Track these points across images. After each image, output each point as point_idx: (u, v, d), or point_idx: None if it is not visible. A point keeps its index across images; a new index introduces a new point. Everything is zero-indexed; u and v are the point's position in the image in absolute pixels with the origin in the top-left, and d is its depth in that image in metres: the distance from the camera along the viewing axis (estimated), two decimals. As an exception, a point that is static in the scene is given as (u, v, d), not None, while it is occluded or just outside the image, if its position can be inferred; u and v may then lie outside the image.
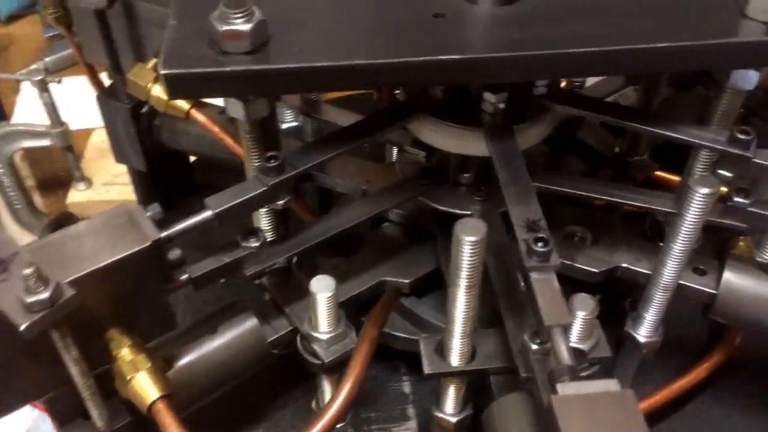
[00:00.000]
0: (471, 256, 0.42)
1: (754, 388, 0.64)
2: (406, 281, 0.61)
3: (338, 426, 0.52)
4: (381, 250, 0.63)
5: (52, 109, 0.93)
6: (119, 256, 0.42)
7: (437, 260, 0.62)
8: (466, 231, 0.42)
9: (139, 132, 0.72)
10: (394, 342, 0.63)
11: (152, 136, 0.74)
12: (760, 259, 0.58)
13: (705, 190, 0.46)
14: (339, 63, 0.44)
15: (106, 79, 0.74)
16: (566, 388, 0.36)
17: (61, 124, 0.94)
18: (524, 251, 0.43)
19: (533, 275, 0.42)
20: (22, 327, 0.37)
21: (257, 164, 0.52)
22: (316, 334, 0.53)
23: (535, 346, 0.44)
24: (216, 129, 0.65)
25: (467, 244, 0.42)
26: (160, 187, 0.79)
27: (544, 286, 0.42)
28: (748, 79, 0.50)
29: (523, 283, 0.45)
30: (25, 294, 0.37)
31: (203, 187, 0.83)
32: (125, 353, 0.43)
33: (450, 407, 0.54)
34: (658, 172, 0.70)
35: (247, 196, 0.48)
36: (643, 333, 0.57)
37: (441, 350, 0.50)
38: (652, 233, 0.64)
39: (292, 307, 0.57)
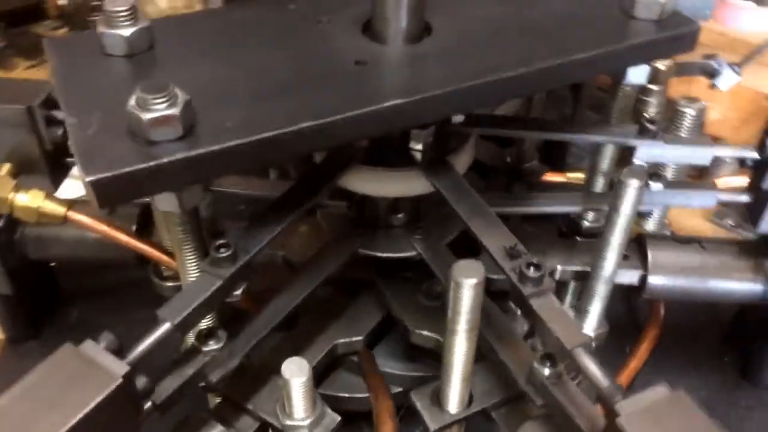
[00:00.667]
0: (472, 299, 0.41)
1: (680, 351, 0.69)
2: (360, 338, 0.57)
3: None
4: (322, 314, 0.59)
5: None
6: (91, 406, 0.35)
7: (383, 308, 0.59)
8: (465, 274, 0.40)
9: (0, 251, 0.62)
10: (351, 404, 0.60)
11: (14, 252, 0.63)
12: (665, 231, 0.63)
13: (637, 183, 0.49)
14: (286, 129, 0.40)
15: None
16: (625, 407, 0.35)
17: None
18: (516, 280, 0.42)
19: (534, 302, 0.42)
20: None
21: (191, 261, 0.46)
22: (295, 423, 0.48)
23: (547, 371, 0.43)
24: (104, 228, 0.57)
25: (468, 288, 0.40)
26: (27, 306, 0.68)
27: (550, 310, 0.41)
28: (642, 74, 0.54)
29: (520, 312, 0.44)
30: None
31: (70, 296, 0.75)
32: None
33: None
34: (548, 174, 0.73)
35: (206, 296, 0.42)
36: (590, 327, 0.59)
37: (438, 400, 0.48)
38: (568, 230, 0.67)
39: (254, 402, 0.51)
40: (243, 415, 0.52)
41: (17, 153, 0.57)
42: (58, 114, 0.57)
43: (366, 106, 0.42)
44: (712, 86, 0.70)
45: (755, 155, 0.55)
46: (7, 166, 0.57)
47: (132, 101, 0.39)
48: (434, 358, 0.54)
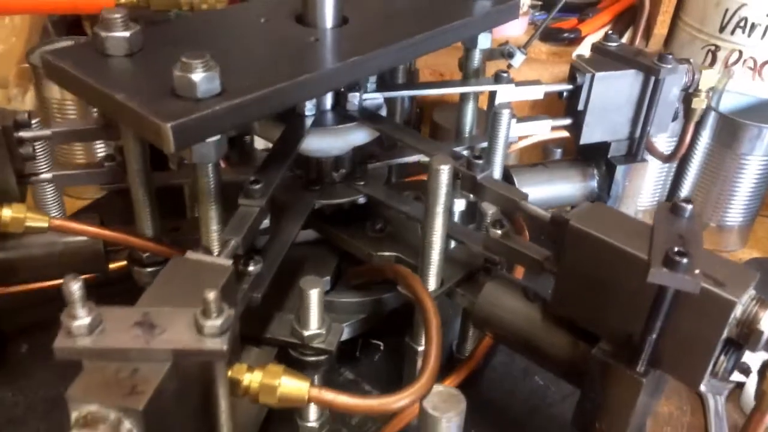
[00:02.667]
0: (447, 182, 0.57)
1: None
2: (327, 278, 0.70)
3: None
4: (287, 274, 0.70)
5: None
6: (220, 285, 0.44)
7: (337, 254, 0.72)
8: (439, 162, 0.56)
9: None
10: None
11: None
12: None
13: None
14: (288, 82, 0.53)
15: None
16: (571, 215, 0.53)
17: None
18: (466, 169, 0.59)
19: (483, 180, 0.59)
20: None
21: (214, 209, 0.56)
22: (312, 332, 0.59)
23: (499, 232, 0.60)
24: (91, 228, 0.63)
25: (443, 173, 0.56)
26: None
27: (495, 183, 0.59)
28: (487, 40, 0.75)
29: (472, 195, 0.61)
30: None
31: (14, 334, 0.75)
32: (253, 376, 0.45)
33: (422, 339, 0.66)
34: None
35: (250, 222, 0.53)
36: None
37: (418, 283, 0.62)
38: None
39: (270, 332, 0.61)
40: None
41: (-11, 175, 0.62)
42: (26, 134, 0.63)
43: (325, 65, 0.57)
44: (509, 66, 0.94)
45: (570, 86, 0.78)
46: (-18, 190, 0.62)
47: (177, 69, 0.49)
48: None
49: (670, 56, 0.76)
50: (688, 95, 0.83)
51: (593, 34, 1.23)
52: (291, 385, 0.46)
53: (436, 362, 0.49)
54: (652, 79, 0.77)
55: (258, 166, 0.59)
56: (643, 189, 1.15)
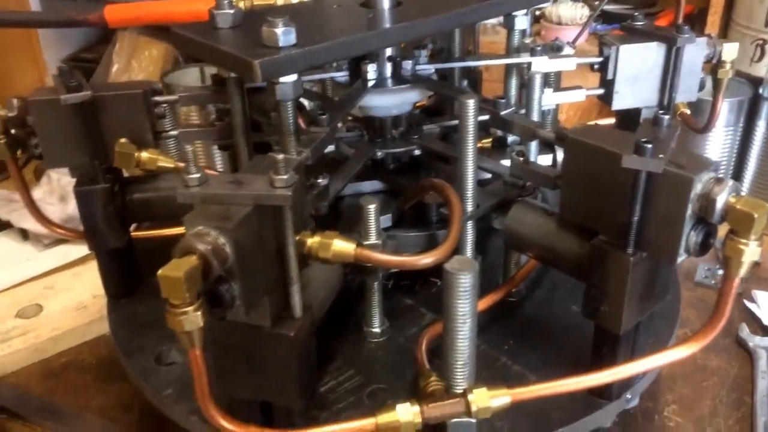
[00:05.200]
0: (473, 115, 0.71)
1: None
2: (389, 215, 0.85)
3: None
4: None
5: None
6: (297, 162, 0.61)
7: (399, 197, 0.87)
8: (466, 96, 0.70)
9: (115, 210, 0.84)
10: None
11: (125, 213, 0.86)
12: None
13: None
14: (347, 37, 0.70)
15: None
16: (570, 131, 0.66)
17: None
18: (492, 107, 0.73)
19: (506, 115, 0.73)
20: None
21: (293, 138, 0.73)
22: (372, 242, 0.74)
23: (521, 159, 0.74)
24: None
25: (470, 106, 0.70)
26: (127, 266, 0.89)
27: (519, 117, 0.73)
28: (525, 21, 0.89)
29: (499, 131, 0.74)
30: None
31: (147, 268, 0.95)
32: (313, 239, 0.61)
33: (469, 252, 0.79)
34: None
35: (320, 140, 0.69)
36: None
37: (459, 207, 0.76)
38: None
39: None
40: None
41: (132, 130, 0.82)
42: (159, 98, 0.83)
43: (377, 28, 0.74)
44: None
45: (599, 59, 0.91)
46: (125, 139, 0.82)
47: (265, 26, 0.67)
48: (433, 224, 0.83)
49: (687, 27, 0.87)
50: (714, 67, 0.93)
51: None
52: (341, 244, 0.61)
53: (455, 235, 0.63)
54: (673, 49, 0.88)
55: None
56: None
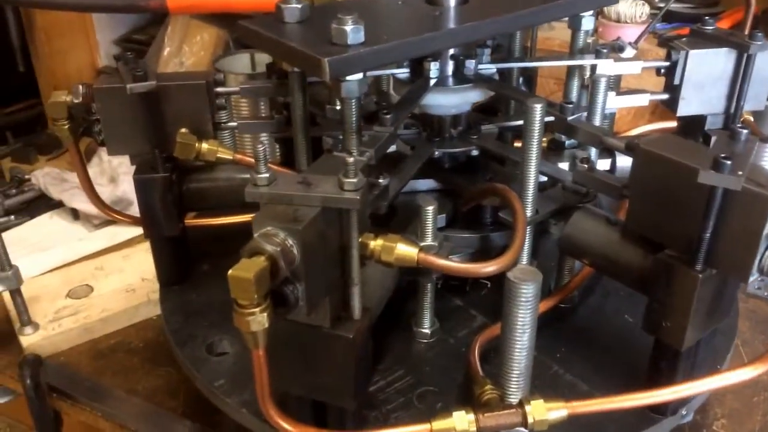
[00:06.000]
0: (540, 119, 0.69)
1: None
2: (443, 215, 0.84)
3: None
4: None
5: (3, 252, 0.95)
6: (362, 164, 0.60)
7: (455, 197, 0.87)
8: (534, 101, 0.69)
9: (173, 199, 0.85)
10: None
11: (181, 202, 0.86)
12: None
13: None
14: (415, 37, 0.69)
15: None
16: (643, 142, 0.64)
17: (11, 266, 0.96)
18: (559, 112, 0.72)
19: (572, 121, 0.71)
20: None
21: (355, 133, 0.73)
22: (428, 243, 0.73)
23: (586, 166, 0.72)
24: (244, 158, 0.83)
25: (538, 111, 0.69)
26: (180, 253, 0.90)
27: (582, 123, 0.71)
28: (590, 22, 0.87)
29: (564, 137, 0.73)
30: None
31: (198, 255, 0.96)
32: (376, 242, 0.60)
33: (525, 258, 0.78)
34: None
35: (383, 140, 0.69)
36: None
37: (516, 212, 0.75)
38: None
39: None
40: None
41: (193, 120, 0.82)
42: (219, 89, 0.84)
43: (444, 28, 0.73)
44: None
45: (666, 63, 0.88)
46: (185, 129, 0.82)
47: (334, 24, 0.67)
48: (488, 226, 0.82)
49: (760, 34, 0.84)
50: (785, 75, 0.90)
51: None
52: (404, 249, 0.61)
53: (519, 244, 0.62)
54: (744, 56, 0.85)
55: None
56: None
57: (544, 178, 0.85)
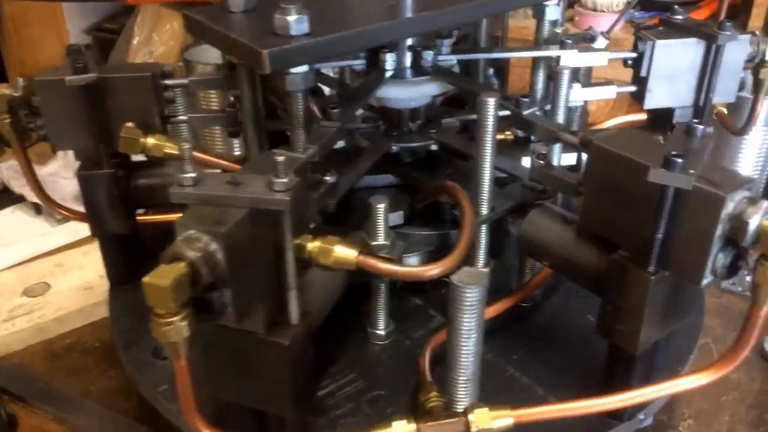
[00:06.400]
0: (494, 113, 0.67)
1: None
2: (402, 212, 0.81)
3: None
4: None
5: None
6: (301, 162, 0.57)
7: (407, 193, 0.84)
8: (487, 95, 0.66)
9: (120, 195, 0.82)
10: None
11: (129, 199, 0.83)
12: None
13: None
14: (363, 27, 0.66)
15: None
16: (596, 137, 0.62)
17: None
18: (514, 106, 0.69)
19: (528, 116, 0.68)
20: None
21: (302, 132, 0.70)
22: (380, 243, 0.71)
23: (542, 162, 0.69)
24: (215, 160, 0.80)
25: (490, 105, 0.66)
26: (129, 251, 0.87)
27: (539, 118, 0.68)
28: (556, 12, 0.84)
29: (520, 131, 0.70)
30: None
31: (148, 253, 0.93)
32: (314, 242, 0.58)
33: (482, 261, 0.75)
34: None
35: (329, 135, 0.66)
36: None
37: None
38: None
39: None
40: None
41: (139, 114, 0.79)
42: (169, 81, 0.80)
43: (399, 17, 0.70)
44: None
45: (633, 54, 0.85)
46: (131, 123, 0.79)
47: (277, 14, 0.63)
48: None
49: (729, 24, 0.81)
50: (756, 66, 0.87)
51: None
52: (343, 251, 0.58)
53: (464, 245, 0.59)
54: (713, 46, 0.82)
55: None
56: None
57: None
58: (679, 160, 0.52)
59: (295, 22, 0.62)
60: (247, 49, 0.62)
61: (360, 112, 0.89)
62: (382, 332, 0.78)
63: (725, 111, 0.94)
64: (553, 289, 0.85)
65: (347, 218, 0.79)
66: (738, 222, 0.53)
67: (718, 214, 0.53)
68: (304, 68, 0.65)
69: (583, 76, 0.98)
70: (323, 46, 0.63)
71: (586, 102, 0.97)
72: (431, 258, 0.83)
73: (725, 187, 0.53)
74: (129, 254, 0.87)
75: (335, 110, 0.68)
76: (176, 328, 0.47)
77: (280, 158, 0.51)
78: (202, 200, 0.52)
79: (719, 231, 0.54)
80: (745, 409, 0.90)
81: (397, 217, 0.81)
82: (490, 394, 0.72)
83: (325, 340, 0.75)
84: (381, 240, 0.71)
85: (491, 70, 1.09)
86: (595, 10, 1.33)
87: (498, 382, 0.73)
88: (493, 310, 0.76)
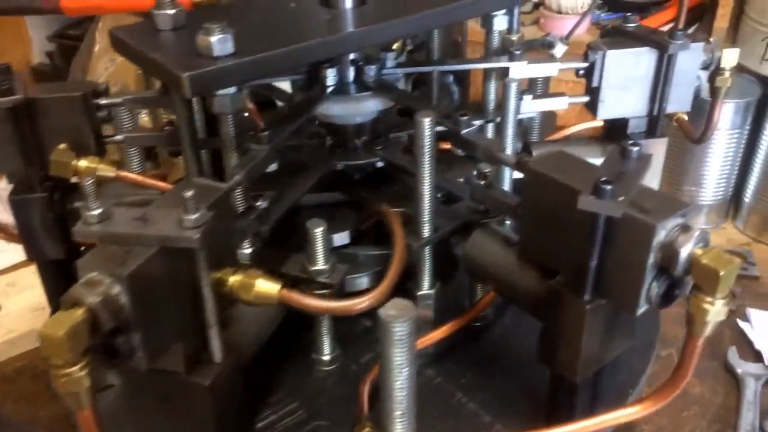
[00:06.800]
0: (430, 133, 0.64)
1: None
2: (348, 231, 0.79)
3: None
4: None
5: None
6: (219, 193, 0.55)
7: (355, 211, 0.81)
8: (422, 115, 0.64)
9: (55, 219, 0.79)
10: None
11: (64, 223, 0.80)
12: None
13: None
14: (293, 46, 0.64)
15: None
16: (531, 160, 0.59)
17: None
18: (453, 125, 0.67)
19: (468, 135, 0.66)
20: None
21: (233, 154, 0.67)
22: (318, 268, 0.68)
23: (483, 182, 0.67)
24: (148, 181, 0.77)
25: (424, 124, 0.64)
26: (66, 276, 0.84)
27: (479, 137, 0.66)
28: (503, 22, 0.82)
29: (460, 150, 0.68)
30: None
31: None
32: (235, 276, 0.55)
33: (426, 283, 0.73)
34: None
35: (258, 160, 0.63)
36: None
37: (413, 230, 0.70)
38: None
39: (285, 267, 0.71)
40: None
41: (72, 135, 0.76)
42: (102, 101, 0.78)
43: (337, 33, 0.67)
44: (551, 57, 1.00)
45: (585, 64, 0.83)
46: (64, 145, 0.76)
47: (200, 34, 0.61)
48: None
49: (680, 32, 0.79)
50: (711, 74, 0.85)
51: (654, 30, 1.25)
52: (265, 285, 0.55)
53: (393, 276, 0.57)
54: (666, 56, 0.80)
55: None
56: (708, 183, 1.16)
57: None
58: (609, 187, 0.50)
59: (218, 42, 0.60)
60: (168, 72, 0.59)
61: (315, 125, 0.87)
62: (326, 358, 0.76)
63: (686, 118, 0.92)
64: (507, 306, 0.83)
65: (291, 239, 0.77)
66: (669, 251, 0.50)
67: (650, 243, 0.51)
68: (231, 90, 0.63)
69: (542, 85, 0.95)
70: (249, 67, 0.61)
71: (543, 114, 0.95)
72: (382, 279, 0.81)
73: (657, 215, 0.51)
74: (68, 280, 0.84)
75: (264, 133, 0.65)
76: (74, 379, 0.45)
77: (188, 193, 0.49)
78: (108, 239, 0.49)
79: (651, 260, 0.51)
80: (706, 424, 0.88)
81: (343, 237, 0.79)
82: (436, 420, 0.71)
83: (265, 367, 0.73)
84: (320, 265, 0.68)
85: (451, 77, 1.07)
86: (560, 12, 1.31)
87: (445, 408, 0.71)
88: (440, 333, 0.74)
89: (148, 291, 0.49)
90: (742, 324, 1.01)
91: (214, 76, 0.60)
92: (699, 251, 0.50)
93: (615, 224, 0.52)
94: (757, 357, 0.95)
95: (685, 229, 0.51)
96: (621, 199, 0.50)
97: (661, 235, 0.51)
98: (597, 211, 0.51)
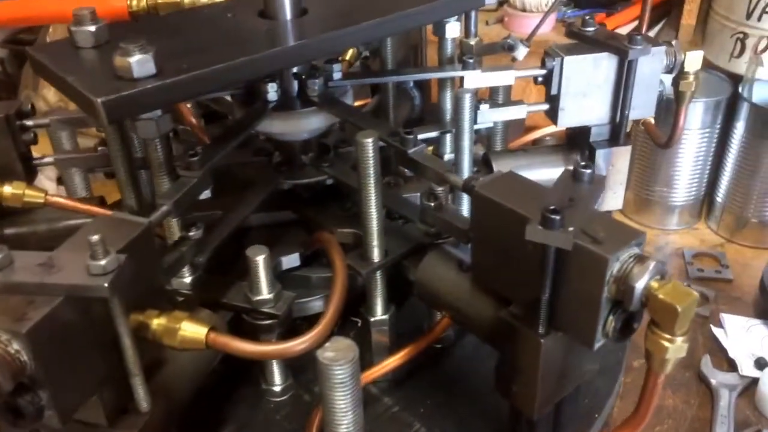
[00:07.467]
0: (373, 152, 0.60)
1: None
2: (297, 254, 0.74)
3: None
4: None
5: None
6: (135, 234, 0.50)
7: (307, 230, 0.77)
8: (364, 135, 0.59)
9: (-16, 249, 0.74)
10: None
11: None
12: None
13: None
14: (223, 64, 0.59)
15: None
16: (478, 183, 0.55)
17: None
18: (400, 145, 0.63)
19: (414, 155, 0.62)
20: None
21: (164, 178, 0.62)
22: (262, 298, 0.64)
23: (433, 204, 0.63)
24: (78, 205, 0.72)
25: (368, 145, 0.59)
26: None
27: (427, 157, 0.62)
28: (455, 29, 0.77)
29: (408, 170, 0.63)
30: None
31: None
32: (159, 319, 0.51)
33: (380, 309, 0.69)
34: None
35: (188, 187, 0.59)
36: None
37: (363, 254, 0.66)
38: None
39: (227, 297, 0.67)
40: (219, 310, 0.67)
41: (-4, 158, 0.71)
42: (28, 122, 0.73)
43: (274, 47, 0.62)
44: (513, 59, 0.96)
45: (543, 71, 0.79)
46: (-10, 171, 0.71)
47: (118, 54, 0.56)
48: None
49: (640, 37, 0.75)
50: (675, 78, 0.81)
51: (620, 28, 1.21)
52: (191, 330, 0.51)
53: (332, 315, 0.53)
54: (626, 61, 0.76)
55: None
56: (679, 183, 1.13)
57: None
58: (557, 217, 0.46)
59: (137, 63, 0.55)
60: (82, 97, 0.55)
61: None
62: (277, 388, 0.72)
63: (652, 121, 0.89)
64: (467, 327, 0.79)
65: (236, 264, 0.72)
66: (624, 284, 0.47)
67: (603, 276, 0.47)
68: (156, 113, 0.58)
69: (503, 92, 0.91)
70: (173, 88, 0.56)
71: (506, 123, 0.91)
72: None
73: (610, 245, 0.47)
74: None
75: (195, 158, 0.61)
76: (-33, 449, 0.40)
77: (94, 237, 0.44)
78: (8, 289, 0.45)
79: (606, 294, 0.48)
80: (680, 437, 0.85)
81: (293, 260, 0.75)
82: (394, 454, 0.67)
83: (210, 400, 0.69)
84: (264, 294, 0.64)
85: (411, 82, 1.03)
86: (524, 10, 1.27)
87: (403, 439, 0.67)
88: (397, 360, 0.70)
89: (55, 344, 0.44)
90: (715, 330, 0.98)
91: (134, 100, 0.55)
92: (655, 284, 0.46)
93: (566, 255, 0.48)
94: (731, 365, 0.93)
95: (641, 259, 0.47)
96: (571, 229, 0.46)
97: (614, 268, 0.47)
98: (545, 243, 0.47)
